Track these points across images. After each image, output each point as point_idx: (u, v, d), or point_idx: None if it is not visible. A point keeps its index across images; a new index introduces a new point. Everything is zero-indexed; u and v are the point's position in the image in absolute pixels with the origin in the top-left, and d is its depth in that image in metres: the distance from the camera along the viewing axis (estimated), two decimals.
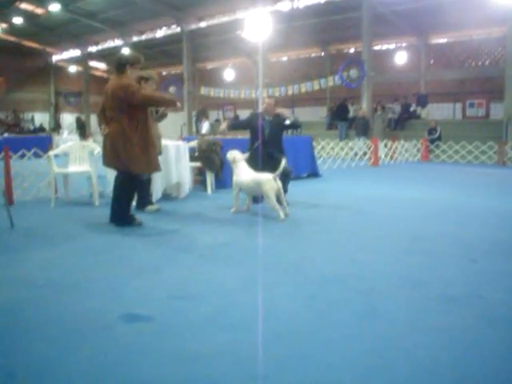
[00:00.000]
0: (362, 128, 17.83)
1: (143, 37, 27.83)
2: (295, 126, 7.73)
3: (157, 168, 5.70)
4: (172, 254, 4.48)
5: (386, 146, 16.70)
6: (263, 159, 6.74)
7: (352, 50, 25.91)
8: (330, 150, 15.71)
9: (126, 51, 25.18)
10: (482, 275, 3.85)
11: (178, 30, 25.73)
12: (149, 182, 6.55)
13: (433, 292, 3.43)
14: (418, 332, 2.77)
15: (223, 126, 7.47)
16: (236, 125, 8.48)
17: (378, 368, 2.36)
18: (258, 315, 2.97)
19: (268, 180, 5.89)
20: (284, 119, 7.21)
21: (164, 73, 32.36)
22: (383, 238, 5.12)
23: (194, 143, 8.52)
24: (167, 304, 3.19)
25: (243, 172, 6.25)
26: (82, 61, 32.51)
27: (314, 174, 10.88)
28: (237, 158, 6.35)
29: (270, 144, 7.00)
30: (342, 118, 20.81)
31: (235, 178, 6.33)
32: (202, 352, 2.52)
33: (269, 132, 7.10)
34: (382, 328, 2.82)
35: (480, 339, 2.68)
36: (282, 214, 5.83)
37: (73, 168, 7.38)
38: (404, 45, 24.71)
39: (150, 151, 5.46)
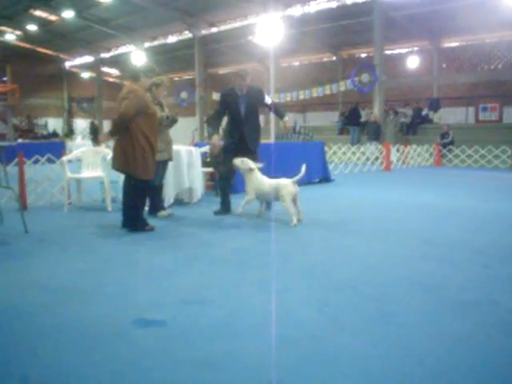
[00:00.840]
0: (374, 132, 17.79)
1: (155, 43, 28.04)
2: (278, 111, 7.02)
3: (151, 176, 5.69)
4: (184, 258, 4.49)
5: (398, 150, 16.65)
6: (239, 146, 6.50)
7: (364, 55, 25.88)
8: (341, 155, 15.69)
9: (138, 57, 25.40)
10: (495, 280, 3.81)
11: (190, 35, 25.88)
12: (160, 187, 6.59)
13: (445, 297, 3.40)
14: (431, 338, 2.75)
15: (214, 140, 6.61)
16: (215, 119, 6.81)
17: (391, 374, 2.35)
18: (269, 320, 2.97)
19: (286, 184, 5.93)
20: (261, 91, 6.70)
21: (176, 78, 32.54)
22: (395, 242, 5.10)
23: (205, 148, 8.55)
24: (179, 309, 3.20)
25: (260, 179, 6.20)
26: (94, 67, 32.83)
27: (325, 179, 10.86)
28: (252, 166, 6.22)
29: (247, 125, 6.53)
30: (353, 123, 20.77)
31: (253, 186, 6.20)
32: (213, 357, 2.53)
33: (245, 109, 6.50)
34: (394, 334, 2.81)
35: (494, 346, 2.66)
36: (295, 220, 5.82)
37: (86, 173, 7.44)
38: (416, 49, 24.64)
39: (148, 157, 5.51)
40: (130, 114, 5.38)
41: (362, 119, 20.86)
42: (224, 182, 6.77)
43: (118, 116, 5.48)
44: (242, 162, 6.28)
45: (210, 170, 8.37)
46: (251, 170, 6.22)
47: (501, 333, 2.82)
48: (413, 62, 24.08)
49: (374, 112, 18.89)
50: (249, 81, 6.51)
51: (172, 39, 27.55)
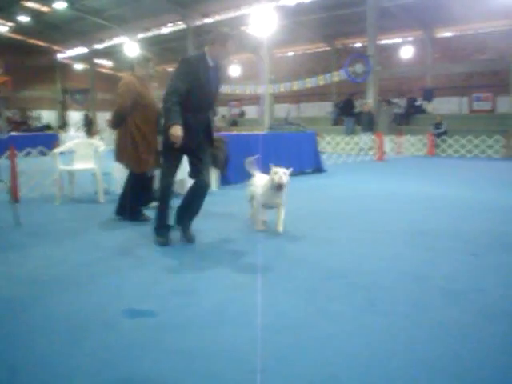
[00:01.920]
0: (368, 123, 17.82)
1: (149, 34, 27.91)
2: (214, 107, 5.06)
3: (145, 168, 5.62)
4: (174, 249, 4.51)
5: (391, 140, 16.69)
6: (196, 141, 4.60)
7: (358, 45, 25.83)
8: (335, 146, 15.72)
9: (131, 48, 25.27)
10: (484, 269, 3.86)
11: (184, 26, 25.76)
12: (151, 178, 6.59)
13: (433, 286, 3.44)
14: (418, 326, 2.79)
15: (178, 131, 4.27)
16: (178, 101, 4.29)
17: (376, 362, 2.39)
18: (257, 310, 3.00)
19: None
20: (225, 69, 5.22)
21: (170, 69, 32.39)
22: (385, 232, 5.13)
23: None
24: (169, 299, 3.23)
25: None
26: (87, 58, 32.67)
27: (318, 169, 10.90)
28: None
29: (210, 112, 4.75)
30: (347, 113, 20.80)
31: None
32: (202, 347, 2.56)
33: (215, 89, 4.62)
34: (381, 322, 2.84)
35: (479, 334, 2.70)
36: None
37: (78, 165, 7.43)
38: (410, 39, 24.61)
39: (140, 150, 5.50)
40: (126, 108, 5.40)
41: (356, 110, 20.88)
42: (163, 191, 4.69)
43: (115, 111, 5.51)
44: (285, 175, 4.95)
45: None
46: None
47: (487, 321, 2.86)
48: (407, 52, 24.06)
49: (368, 102, 18.90)
50: (229, 49, 4.53)
51: (166, 30, 27.42)
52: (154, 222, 4.82)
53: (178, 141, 4.26)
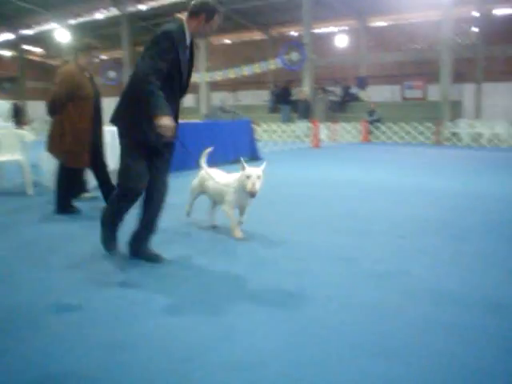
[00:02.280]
0: (304, 111, 18.03)
1: (80, 20, 26.97)
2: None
3: (75, 164, 5.48)
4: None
5: (327, 127, 16.96)
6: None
7: (294, 33, 26.02)
8: (272, 133, 15.80)
9: (62, 35, 24.38)
10: (410, 252, 3.98)
11: (118, 12, 25.09)
12: (82, 169, 6.39)
13: (360, 269, 3.52)
14: (347, 309, 2.84)
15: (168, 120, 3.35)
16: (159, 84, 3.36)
17: (301, 348, 2.41)
18: (186, 301, 2.96)
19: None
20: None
21: (104, 57, 31.52)
22: (318, 218, 5.21)
23: None
24: (95, 293, 3.14)
25: None
26: (15, 45, 31.23)
27: (254, 157, 10.91)
28: None
29: (178, 103, 3.75)
30: (284, 101, 20.93)
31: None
32: (129, 339, 2.50)
33: (189, 70, 3.74)
34: (311, 308, 2.87)
35: (403, 314, 2.77)
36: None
37: (2, 157, 7.10)
38: (345, 28, 25.03)
39: (68, 142, 5.34)
40: (61, 98, 5.24)
41: (293, 98, 21.05)
42: (128, 202, 3.74)
43: (49, 103, 5.33)
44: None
45: None
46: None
47: (410, 302, 2.94)
48: (341, 41, 24.50)
49: (304, 90, 19.09)
50: (213, 26, 3.71)
51: (99, 16, 26.60)
52: (102, 233, 3.92)
53: (170, 133, 3.37)
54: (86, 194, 6.35)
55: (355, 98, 21.33)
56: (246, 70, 20.67)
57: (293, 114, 19.88)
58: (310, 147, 14.75)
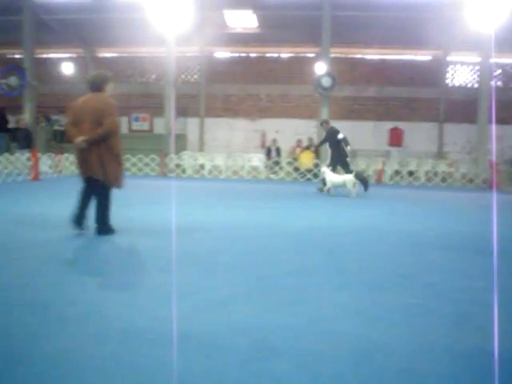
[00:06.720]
0: (24, 140, 16.76)
1: None
2: None
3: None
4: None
5: (50, 158, 16.09)
6: None
7: (15, 56, 24.25)
8: None
9: None
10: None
11: None
12: None
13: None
14: None
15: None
16: None
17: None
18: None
19: None
20: None
21: None
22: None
23: None
24: None
25: None
26: None
27: None
28: None
29: None
30: (0, 130, 19.22)
31: None
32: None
33: None
34: None
35: None
36: None
37: None
38: (71, 55, 24.30)
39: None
40: (117, 130, 5.78)
41: (11, 125, 19.46)
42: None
43: (106, 130, 5.58)
44: None
45: None
46: None
47: None
48: (68, 69, 23.70)
49: (24, 118, 17.82)
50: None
51: None
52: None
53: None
54: None
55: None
56: None
57: (12, 142, 18.33)
58: (28, 180, 13.71)
